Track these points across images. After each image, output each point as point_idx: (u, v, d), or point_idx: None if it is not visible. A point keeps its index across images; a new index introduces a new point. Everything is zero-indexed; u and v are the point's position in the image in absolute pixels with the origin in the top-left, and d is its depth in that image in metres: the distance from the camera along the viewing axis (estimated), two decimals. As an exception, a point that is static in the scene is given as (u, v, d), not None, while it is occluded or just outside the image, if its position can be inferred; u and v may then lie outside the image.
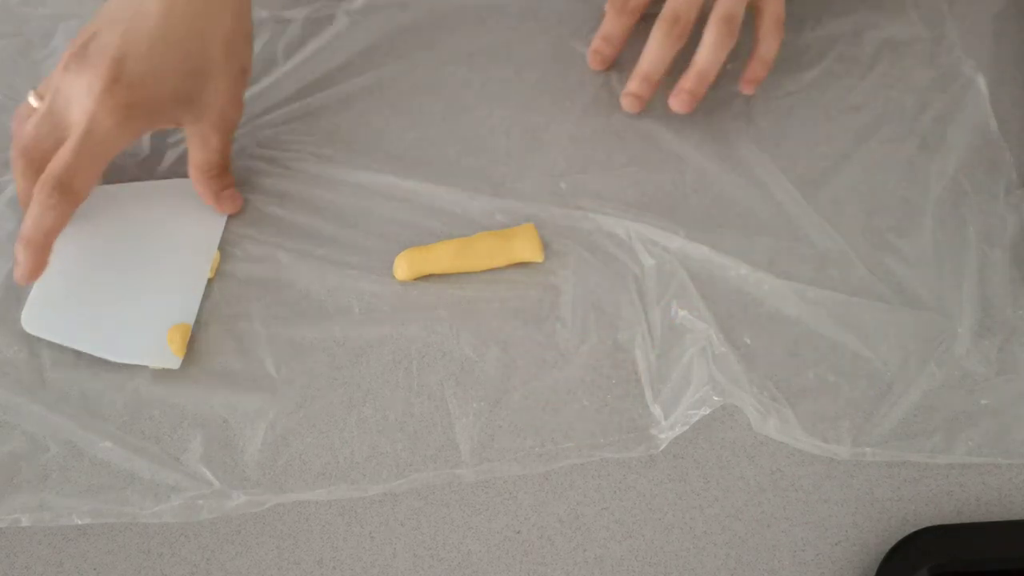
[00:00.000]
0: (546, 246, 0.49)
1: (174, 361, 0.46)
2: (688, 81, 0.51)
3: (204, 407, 0.45)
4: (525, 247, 0.48)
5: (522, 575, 0.41)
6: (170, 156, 0.54)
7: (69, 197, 0.44)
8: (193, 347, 0.47)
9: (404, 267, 0.48)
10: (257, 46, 0.57)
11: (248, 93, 0.53)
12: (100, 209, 0.49)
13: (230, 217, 0.51)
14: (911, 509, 0.42)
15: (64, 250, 0.46)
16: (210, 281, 0.49)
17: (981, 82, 0.54)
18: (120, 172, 0.52)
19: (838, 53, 0.56)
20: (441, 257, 0.48)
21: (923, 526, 0.41)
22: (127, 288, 0.48)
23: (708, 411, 0.44)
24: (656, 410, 0.44)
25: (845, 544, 0.42)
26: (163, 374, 0.46)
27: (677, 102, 0.51)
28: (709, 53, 0.50)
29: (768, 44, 0.51)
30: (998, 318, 0.46)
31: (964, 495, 0.43)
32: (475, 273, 0.49)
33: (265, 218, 0.51)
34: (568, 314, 0.47)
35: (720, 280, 0.48)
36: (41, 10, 0.61)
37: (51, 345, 0.47)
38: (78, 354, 0.47)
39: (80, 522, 0.43)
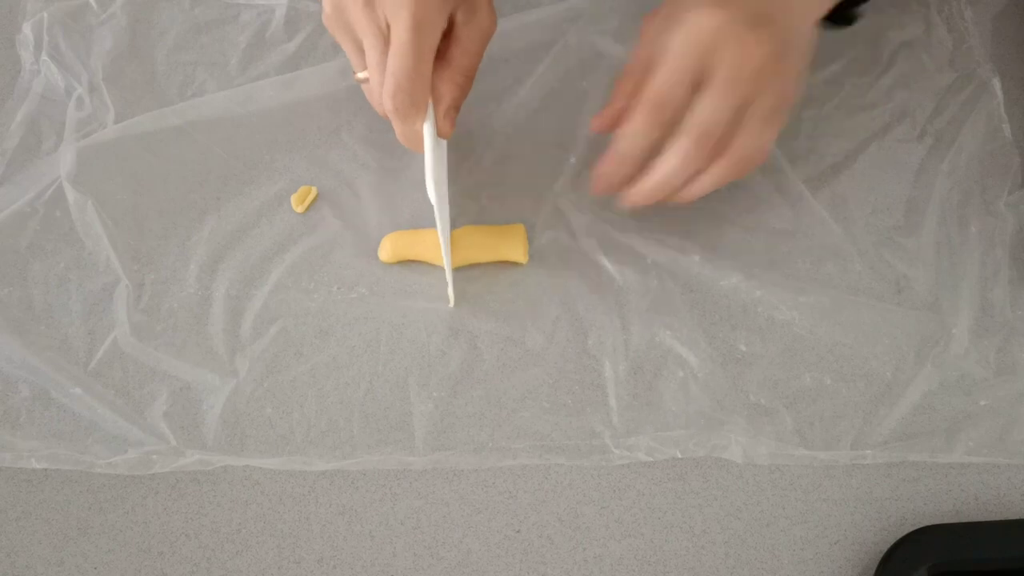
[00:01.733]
0: (532, 248, 0.49)
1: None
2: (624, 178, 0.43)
3: (174, 368, 0.46)
4: (510, 247, 0.48)
5: (522, 574, 0.42)
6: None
7: None
8: (170, 310, 0.47)
9: (388, 249, 0.48)
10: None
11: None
12: None
13: None
14: (910, 508, 0.42)
15: None
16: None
17: (997, 86, 0.53)
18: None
19: (857, 51, 0.55)
20: (426, 245, 0.48)
21: (922, 525, 0.41)
22: None
23: (678, 455, 0.43)
24: (617, 424, 0.44)
25: (844, 543, 0.42)
26: (141, 329, 0.47)
27: (601, 186, 0.44)
28: (668, 167, 0.41)
29: (744, 139, 0.41)
30: (997, 318, 0.46)
31: (963, 495, 0.43)
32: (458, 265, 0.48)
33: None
34: (541, 316, 0.47)
35: (712, 289, 0.47)
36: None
37: (44, 289, 0.48)
38: (65, 297, 0.48)
39: (38, 466, 0.44)
